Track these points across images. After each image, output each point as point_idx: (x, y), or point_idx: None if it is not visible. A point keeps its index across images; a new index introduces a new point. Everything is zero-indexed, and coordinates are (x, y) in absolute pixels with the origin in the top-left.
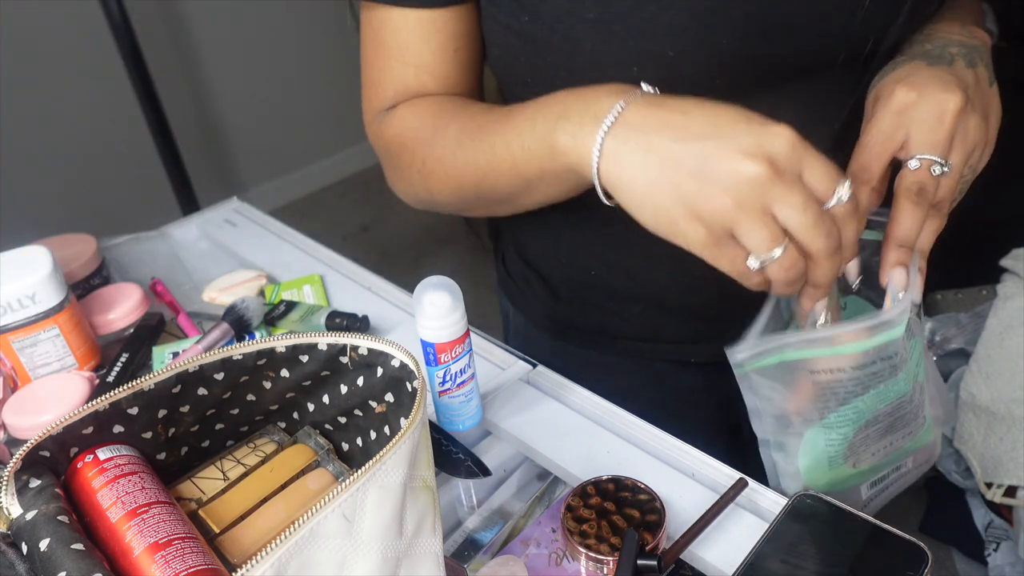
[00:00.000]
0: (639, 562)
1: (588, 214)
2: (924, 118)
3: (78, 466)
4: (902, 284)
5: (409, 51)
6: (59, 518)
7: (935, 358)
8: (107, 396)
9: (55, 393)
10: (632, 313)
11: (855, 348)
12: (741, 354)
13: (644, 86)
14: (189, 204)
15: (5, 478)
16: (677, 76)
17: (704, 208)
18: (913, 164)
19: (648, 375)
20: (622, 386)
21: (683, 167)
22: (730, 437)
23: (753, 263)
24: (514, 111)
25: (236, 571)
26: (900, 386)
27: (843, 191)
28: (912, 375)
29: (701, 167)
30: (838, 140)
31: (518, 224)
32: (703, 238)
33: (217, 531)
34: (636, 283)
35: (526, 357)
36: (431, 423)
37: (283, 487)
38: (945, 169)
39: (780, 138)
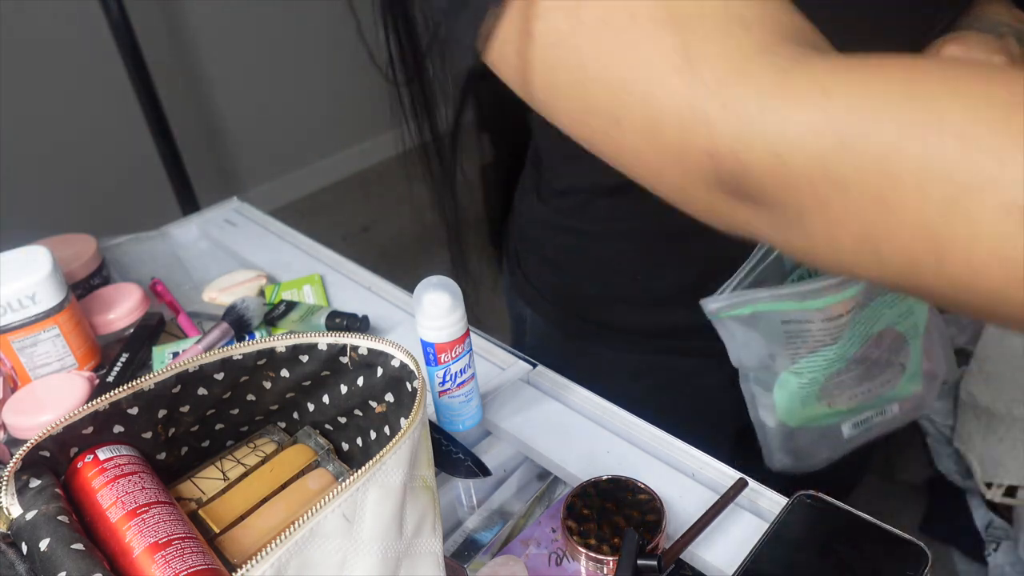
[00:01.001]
0: (639, 562)
1: (631, 228)
2: None
3: (78, 466)
4: None
5: None
6: (59, 518)
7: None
8: (107, 396)
9: (55, 393)
10: (664, 310)
11: (822, 303)
12: (714, 304)
13: None
14: (189, 204)
15: (5, 478)
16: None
17: None
18: None
19: (672, 374)
20: (646, 386)
21: None
22: (749, 433)
23: None
24: None
25: (236, 571)
26: (864, 328)
27: None
28: (866, 329)
29: None
30: None
31: (542, 232)
32: None
33: (217, 531)
34: (671, 285)
35: (526, 357)
36: (431, 423)
37: (283, 487)
38: None
39: None
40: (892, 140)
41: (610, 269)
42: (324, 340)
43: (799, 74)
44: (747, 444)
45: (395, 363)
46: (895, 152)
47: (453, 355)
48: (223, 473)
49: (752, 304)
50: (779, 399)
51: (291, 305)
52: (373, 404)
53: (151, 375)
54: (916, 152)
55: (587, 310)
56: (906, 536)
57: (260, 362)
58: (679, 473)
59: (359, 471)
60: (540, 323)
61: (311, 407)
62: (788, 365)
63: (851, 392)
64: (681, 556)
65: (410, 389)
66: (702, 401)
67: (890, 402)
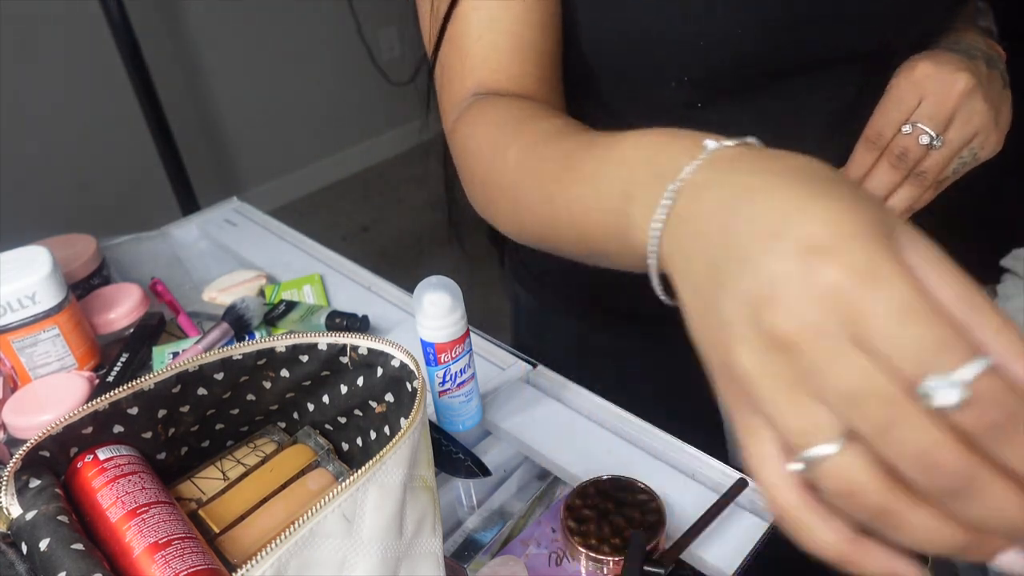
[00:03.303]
0: (645, 568)
1: None
2: (935, 90)
3: (78, 466)
4: None
5: (486, 23)
6: (59, 518)
7: None
8: (107, 396)
9: (55, 393)
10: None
11: None
12: None
13: (724, 142)
14: (189, 204)
15: (5, 478)
16: (734, 63)
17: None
18: (906, 129)
19: (660, 358)
20: (636, 368)
21: (725, 295)
22: None
23: (793, 466)
24: (576, 157)
25: (236, 571)
26: None
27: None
28: None
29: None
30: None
31: None
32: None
33: (217, 531)
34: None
35: (526, 357)
36: (431, 423)
37: (283, 487)
38: (935, 143)
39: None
40: (464, 156)
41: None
42: (324, 340)
43: (462, 116)
44: None
45: (395, 363)
46: (465, 160)
47: (453, 355)
48: (223, 473)
49: None
50: None
51: (291, 305)
52: (373, 404)
53: (151, 375)
54: (469, 160)
55: (583, 291)
56: None
57: (260, 362)
58: (679, 473)
59: (359, 471)
60: (534, 303)
61: (311, 407)
62: None
63: None
64: (681, 556)
65: (410, 389)
66: (690, 388)
67: None
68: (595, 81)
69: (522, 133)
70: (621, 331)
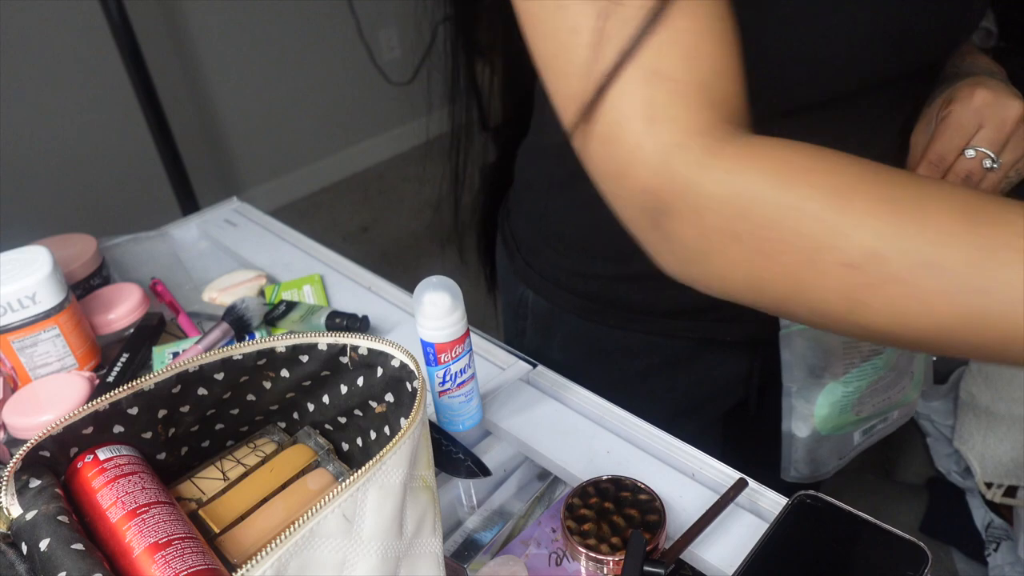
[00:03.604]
0: (646, 568)
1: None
2: (994, 117)
3: (78, 466)
4: None
5: (712, 23)
6: (59, 518)
7: (934, 359)
8: (107, 396)
9: (55, 393)
10: (668, 292)
11: None
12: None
13: None
14: (189, 204)
15: (5, 478)
16: (827, 83)
17: None
18: (969, 153)
19: (668, 355)
20: (643, 365)
21: None
22: (740, 418)
23: None
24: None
25: (236, 571)
26: None
27: None
28: None
29: None
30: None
31: (551, 214)
32: None
33: (217, 531)
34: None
35: (526, 357)
36: (431, 423)
37: (283, 487)
38: (995, 165)
39: None
40: (775, 213)
41: (622, 248)
42: (324, 340)
43: (727, 153)
44: (736, 434)
45: (395, 363)
46: (777, 220)
47: (453, 355)
48: (223, 473)
49: None
50: (820, 408)
51: (291, 305)
52: (373, 404)
53: (151, 375)
54: (791, 223)
55: (593, 289)
56: (906, 536)
57: (260, 362)
58: (679, 473)
59: (359, 471)
60: (543, 304)
61: (311, 407)
62: (838, 376)
63: (877, 400)
64: (681, 556)
65: (410, 389)
66: (696, 384)
67: (894, 409)
68: None
69: (920, 189)
70: (633, 330)
